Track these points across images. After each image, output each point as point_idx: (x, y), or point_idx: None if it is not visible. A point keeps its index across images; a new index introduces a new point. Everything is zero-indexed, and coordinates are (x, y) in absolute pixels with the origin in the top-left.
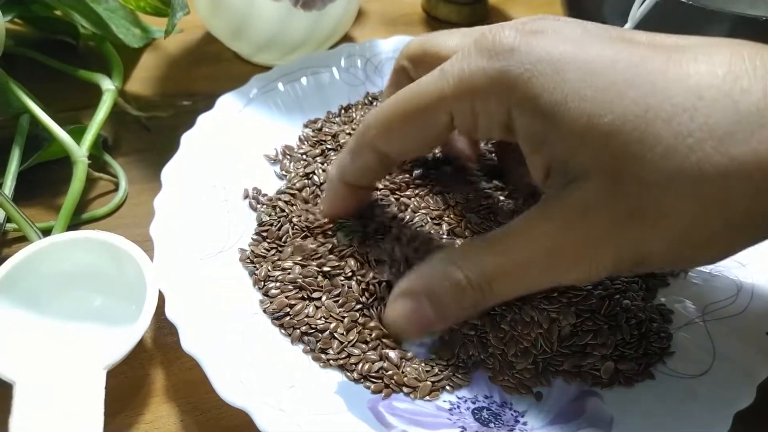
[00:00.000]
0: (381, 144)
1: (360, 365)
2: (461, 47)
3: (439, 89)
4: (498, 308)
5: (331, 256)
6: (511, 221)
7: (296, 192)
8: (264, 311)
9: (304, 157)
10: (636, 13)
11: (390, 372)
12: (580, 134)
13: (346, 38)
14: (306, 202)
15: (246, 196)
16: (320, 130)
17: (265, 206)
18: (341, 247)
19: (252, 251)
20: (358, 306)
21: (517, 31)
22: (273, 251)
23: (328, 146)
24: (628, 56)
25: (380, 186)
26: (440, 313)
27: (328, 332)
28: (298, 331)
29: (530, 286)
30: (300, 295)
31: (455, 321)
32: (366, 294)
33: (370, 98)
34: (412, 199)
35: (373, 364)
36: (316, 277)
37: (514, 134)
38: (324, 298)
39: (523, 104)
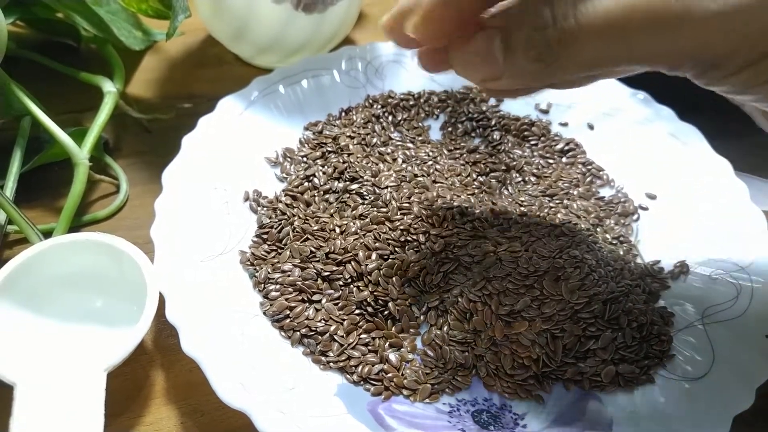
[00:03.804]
0: None
1: (360, 367)
2: None
3: None
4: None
5: (328, 260)
6: None
7: (297, 194)
8: (264, 313)
9: (305, 159)
10: None
11: (390, 374)
12: None
13: (347, 41)
14: (307, 204)
15: (246, 199)
16: (321, 132)
17: (265, 208)
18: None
19: (252, 253)
20: (358, 309)
21: None
22: (273, 253)
23: (329, 149)
24: None
25: None
26: (509, 57)
27: (328, 334)
28: (298, 333)
29: (610, 53)
30: (300, 298)
31: (518, 77)
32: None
33: (370, 101)
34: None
35: (372, 366)
36: (316, 280)
37: None
38: (324, 300)
39: None
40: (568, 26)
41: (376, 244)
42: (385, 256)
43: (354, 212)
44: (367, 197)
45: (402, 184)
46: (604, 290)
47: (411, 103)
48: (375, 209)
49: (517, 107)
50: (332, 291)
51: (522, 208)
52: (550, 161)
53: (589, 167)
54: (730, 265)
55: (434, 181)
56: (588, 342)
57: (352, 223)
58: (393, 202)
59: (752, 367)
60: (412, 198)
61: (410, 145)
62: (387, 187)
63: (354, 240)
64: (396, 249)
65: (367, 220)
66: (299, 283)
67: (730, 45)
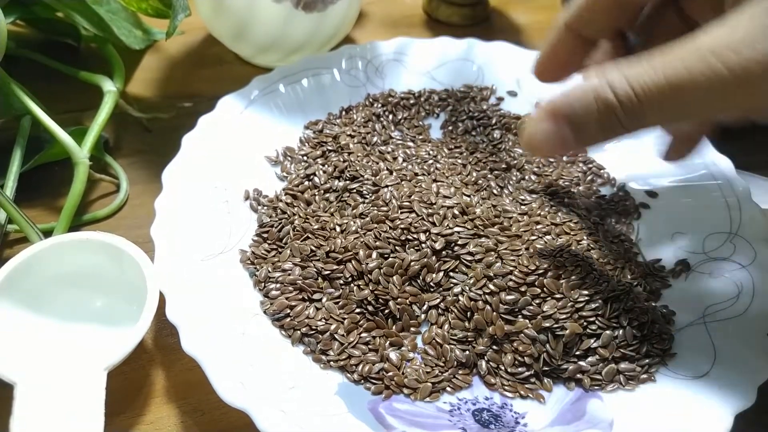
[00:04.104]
0: None
1: (360, 366)
2: None
3: None
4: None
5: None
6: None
7: (297, 193)
8: (264, 312)
9: (305, 158)
10: None
11: (390, 373)
12: None
13: (347, 40)
14: (307, 203)
15: (247, 198)
16: (321, 131)
17: (265, 207)
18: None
19: (252, 252)
20: (359, 307)
21: None
22: (273, 252)
23: (329, 148)
24: None
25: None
26: (580, 135)
27: (328, 333)
28: (298, 332)
29: (688, 107)
30: (300, 297)
31: (593, 143)
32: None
33: (371, 100)
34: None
35: (373, 365)
36: (316, 279)
37: None
38: (324, 299)
39: None
40: (631, 103)
41: (377, 243)
42: (386, 255)
43: (354, 211)
44: (367, 196)
45: (402, 182)
46: (605, 288)
47: (411, 101)
48: (375, 208)
49: (517, 106)
50: (333, 290)
51: (523, 207)
52: (551, 160)
53: (590, 166)
54: (732, 263)
55: (435, 180)
56: (589, 340)
57: (352, 222)
58: (393, 201)
59: (753, 365)
60: (412, 197)
61: (411, 143)
62: (387, 186)
63: (354, 239)
64: (396, 248)
65: (368, 218)
66: (300, 281)
67: None
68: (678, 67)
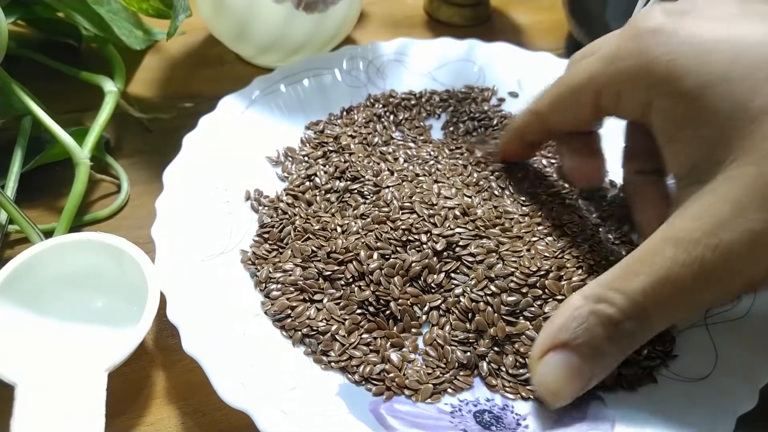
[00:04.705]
0: (544, 112)
1: (361, 367)
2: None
3: (589, 70)
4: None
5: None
6: (645, 240)
7: (298, 194)
8: (265, 313)
9: (306, 158)
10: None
11: (391, 374)
12: (726, 118)
13: (348, 40)
14: (308, 204)
15: (247, 198)
16: (322, 132)
17: (266, 208)
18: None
19: (253, 253)
20: (360, 308)
21: (665, 12)
22: (274, 253)
23: (330, 148)
24: None
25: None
26: (597, 362)
27: (329, 334)
28: (299, 333)
29: (691, 303)
30: (301, 297)
31: (615, 364)
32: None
33: (372, 100)
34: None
35: (374, 366)
36: (317, 279)
37: (652, 118)
38: (325, 300)
39: (663, 86)
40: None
41: (378, 244)
42: (387, 256)
43: (355, 212)
44: (368, 196)
45: (403, 183)
46: None
47: (412, 102)
48: (376, 209)
49: (519, 107)
50: (334, 290)
51: (524, 208)
52: (552, 161)
53: None
54: None
55: (436, 181)
56: None
57: (353, 223)
58: (394, 202)
59: (755, 367)
60: (413, 197)
61: (412, 144)
62: (388, 187)
63: (356, 239)
64: (397, 248)
65: (369, 219)
66: (300, 282)
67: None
68: (663, 266)
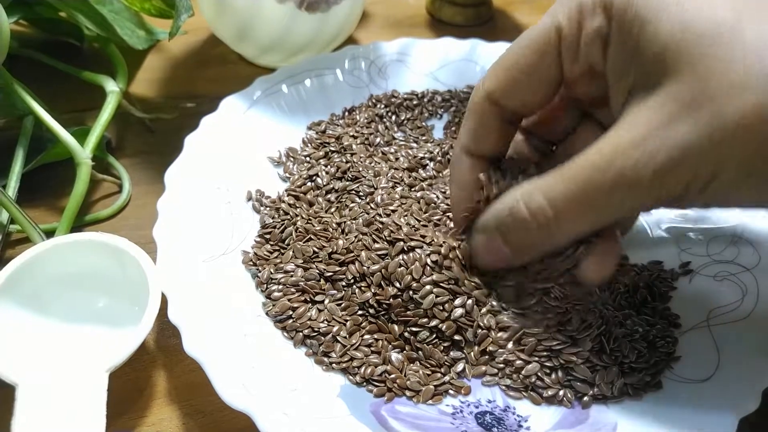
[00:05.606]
0: (493, 88)
1: (362, 369)
2: None
3: (547, 21)
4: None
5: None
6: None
7: (300, 194)
8: (267, 314)
9: (308, 159)
10: None
11: (393, 376)
12: (668, 40)
13: (350, 40)
14: (310, 204)
15: (249, 198)
16: (324, 132)
17: (268, 208)
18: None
19: (255, 253)
20: (361, 309)
21: None
22: (276, 253)
23: (332, 148)
24: None
25: None
26: (514, 248)
27: (330, 335)
28: (300, 334)
29: (596, 217)
30: (303, 298)
31: (531, 256)
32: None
33: (373, 100)
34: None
35: (375, 367)
36: (319, 280)
37: (608, 60)
38: (327, 301)
39: (620, 12)
40: (545, 216)
41: (375, 245)
42: (384, 257)
43: (351, 212)
44: (363, 197)
45: (396, 186)
46: (597, 323)
47: (414, 102)
48: (365, 212)
49: None
50: (335, 291)
51: None
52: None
53: None
54: (736, 266)
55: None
56: (594, 368)
57: (350, 223)
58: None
59: (758, 369)
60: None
61: (414, 144)
62: (381, 188)
63: (356, 239)
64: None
65: (360, 220)
66: (302, 283)
67: (681, 186)
68: (583, 176)
